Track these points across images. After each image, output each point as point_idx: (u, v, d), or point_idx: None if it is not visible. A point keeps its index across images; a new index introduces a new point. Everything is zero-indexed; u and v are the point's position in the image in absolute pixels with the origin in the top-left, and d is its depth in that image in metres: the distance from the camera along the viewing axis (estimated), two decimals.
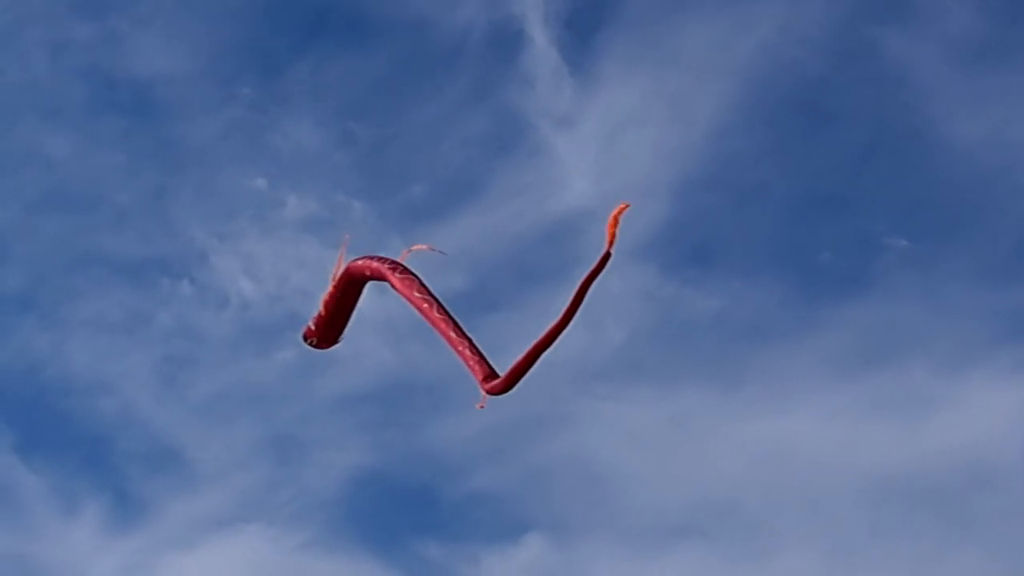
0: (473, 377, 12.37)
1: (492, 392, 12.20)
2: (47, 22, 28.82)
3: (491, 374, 12.29)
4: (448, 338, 12.52)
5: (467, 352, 12.43)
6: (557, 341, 12.22)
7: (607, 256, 11.77)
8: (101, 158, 28.66)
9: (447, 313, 12.57)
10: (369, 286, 13.09)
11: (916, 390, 26.32)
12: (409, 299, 12.46)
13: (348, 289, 12.97)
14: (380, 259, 12.75)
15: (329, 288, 12.95)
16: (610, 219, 11.65)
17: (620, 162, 27.86)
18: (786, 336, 27.32)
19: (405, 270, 12.61)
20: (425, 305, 12.49)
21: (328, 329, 13.07)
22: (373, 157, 28.35)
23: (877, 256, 27.74)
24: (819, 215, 28.46)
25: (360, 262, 12.89)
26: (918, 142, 27.84)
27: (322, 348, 13.21)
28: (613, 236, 11.72)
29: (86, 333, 27.98)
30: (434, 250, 12.68)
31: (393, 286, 12.55)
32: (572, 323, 12.13)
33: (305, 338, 13.18)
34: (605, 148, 27.84)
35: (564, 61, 27.28)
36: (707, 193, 28.05)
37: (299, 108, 28.79)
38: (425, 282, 12.60)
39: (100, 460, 27.23)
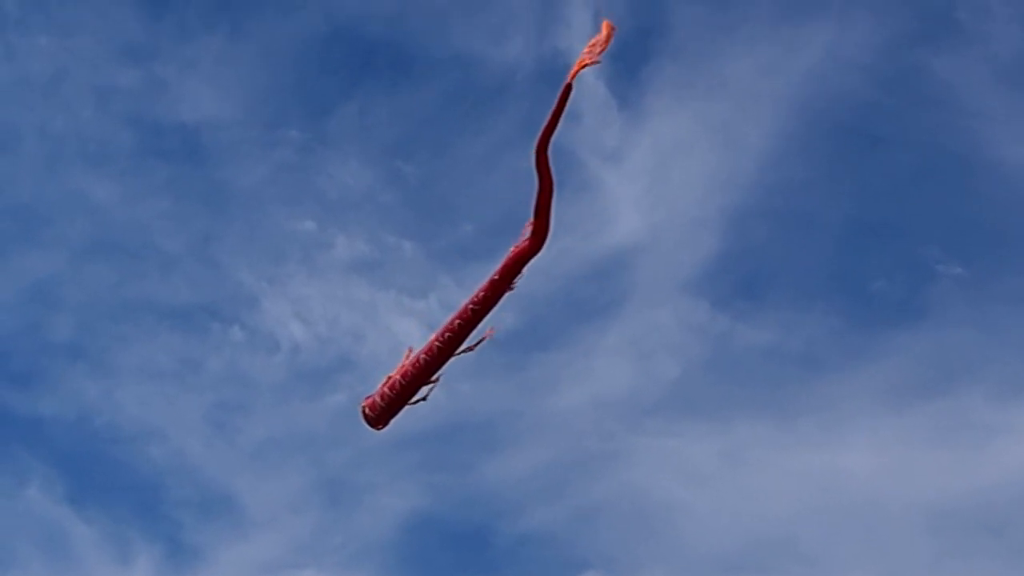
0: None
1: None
2: (92, 69, 28.98)
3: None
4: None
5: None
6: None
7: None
8: (148, 204, 28.77)
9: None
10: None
11: (972, 418, 26.09)
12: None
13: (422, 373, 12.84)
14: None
15: (401, 371, 12.82)
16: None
17: (669, 195, 27.77)
18: (840, 366, 27.14)
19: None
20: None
21: (389, 410, 12.95)
22: (421, 196, 28.36)
23: (930, 283, 27.52)
24: (871, 242, 28.32)
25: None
26: (970, 166, 27.65)
27: (376, 427, 13.09)
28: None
29: (136, 380, 27.99)
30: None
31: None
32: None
33: (364, 414, 13.04)
34: (654, 181, 27.74)
35: (612, 95, 27.20)
36: (757, 223, 27.93)
37: (346, 149, 28.84)
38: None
39: (152, 508, 27.18)
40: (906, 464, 26.02)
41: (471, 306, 12.46)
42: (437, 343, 12.53)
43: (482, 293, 12.45)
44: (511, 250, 12.30)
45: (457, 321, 12.50)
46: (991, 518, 25.31)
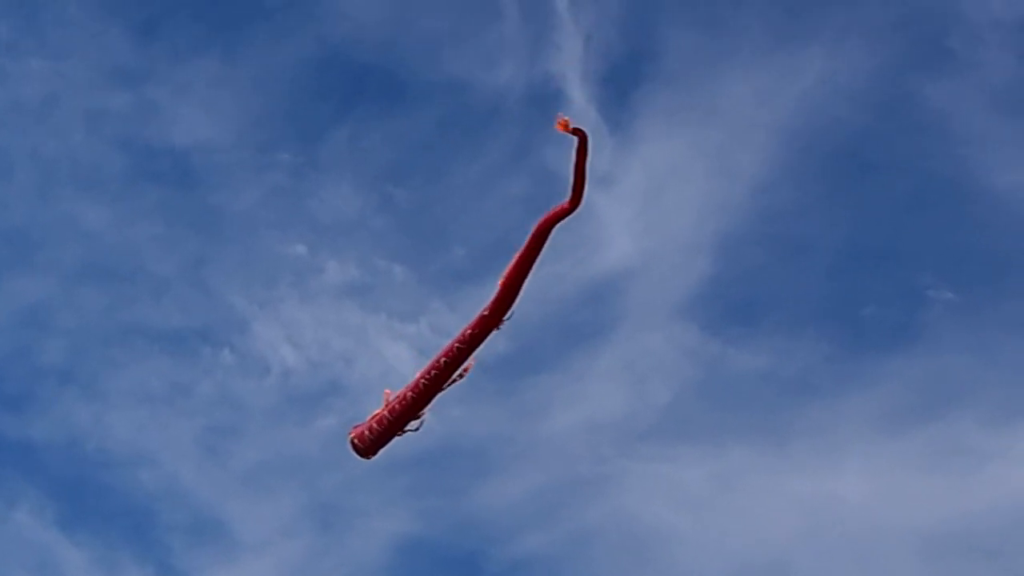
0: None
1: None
2: (84, 93, 28.98)
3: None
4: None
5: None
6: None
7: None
8: (139, 228, 28.73)
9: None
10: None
11: (965, 443, 26.06)
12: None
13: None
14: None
15: (390, 405, 12.80)
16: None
17: (662, 220, 27.78)
18: (832, 392, 27.12)
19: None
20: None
21: (377, 442, 12.94)
22: (413, 221, 28.36)
23: (923, 308, 27.51)
24: (863, 268, 28.31)
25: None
26: (963, 192, 27.67)
27: (365, 457, 13.07)
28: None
29: (127, 404, 27.92)
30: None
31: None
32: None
33: (353, 444, 13.02)
34: (646, 206, 27.75)
35: (604, 119, 27.18)
36: (750, 249, 27.93)
37: (338, 173, 28.84)
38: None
39: (142, 532, 27.07)
40: (899, 489, 26.01)
41: (457, 344, 12.46)
42: (423, 380, 12.54)
43: (470, 331, 12.45)
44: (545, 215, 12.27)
45: (443, 359, 12.49)
46: (984, 543, 25.30)
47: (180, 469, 27.29)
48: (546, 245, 12.14)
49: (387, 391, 12.68)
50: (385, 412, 12.58)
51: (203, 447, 27.39)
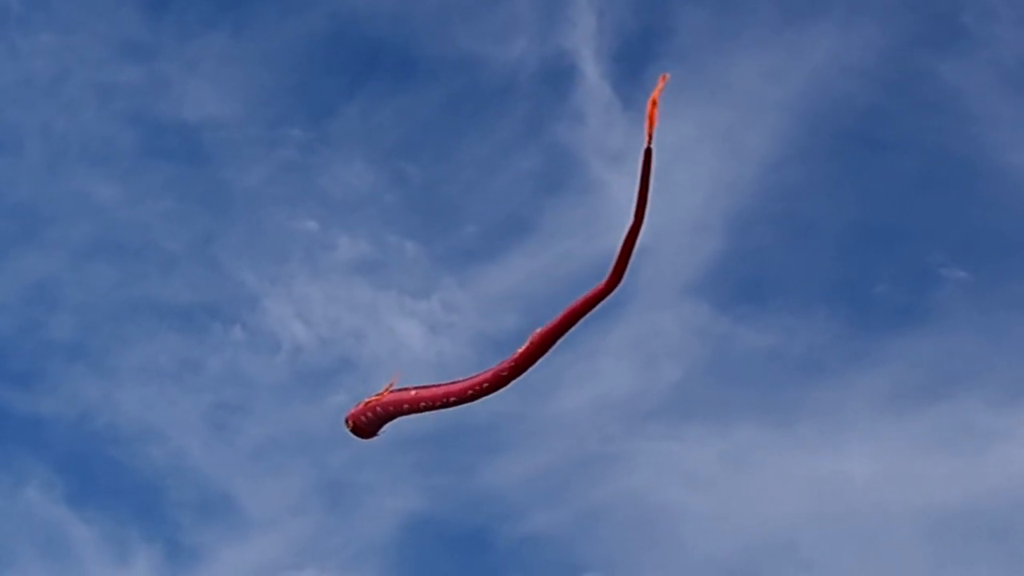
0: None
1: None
2: (94, 68, 28.93)
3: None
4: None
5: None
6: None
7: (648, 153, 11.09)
8: (149, 204, 28.71)
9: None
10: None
11: (974, 423, 26.03)
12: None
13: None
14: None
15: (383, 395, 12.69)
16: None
17: (673, 198, 27.66)
18: (841, 371, 27.09)
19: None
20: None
21: (376, 424, 12.85)
22: (424, 197, 28.31)
23: (934, 288, 27.47)
24: (874, 247, 28.26)
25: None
26: (975, 171, 27.59)
27: (363, 437, 12.99)
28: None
29: (136, 381, 27.92)
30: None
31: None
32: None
33: (351, 424, 12.94)
34: (657, 184, 27.58)
35: (616, 96, 27.13)
36: (760, 227, 27.87)
37: (349, 149, 28.80)
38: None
39: (151, 509, 27.13)
40: (907, 469, 26.00)
41: (471, 390, 12.32)
42: (422, 403, 12.42)
43: (485, 383, 12.28)
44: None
45: (452, 398, 12.35)
46: (992, 523, 25.29)
47: (189, 445, 27.35)
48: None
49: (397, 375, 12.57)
50: (379, 407, 12.50)
51: (212, 424, 27.45)
